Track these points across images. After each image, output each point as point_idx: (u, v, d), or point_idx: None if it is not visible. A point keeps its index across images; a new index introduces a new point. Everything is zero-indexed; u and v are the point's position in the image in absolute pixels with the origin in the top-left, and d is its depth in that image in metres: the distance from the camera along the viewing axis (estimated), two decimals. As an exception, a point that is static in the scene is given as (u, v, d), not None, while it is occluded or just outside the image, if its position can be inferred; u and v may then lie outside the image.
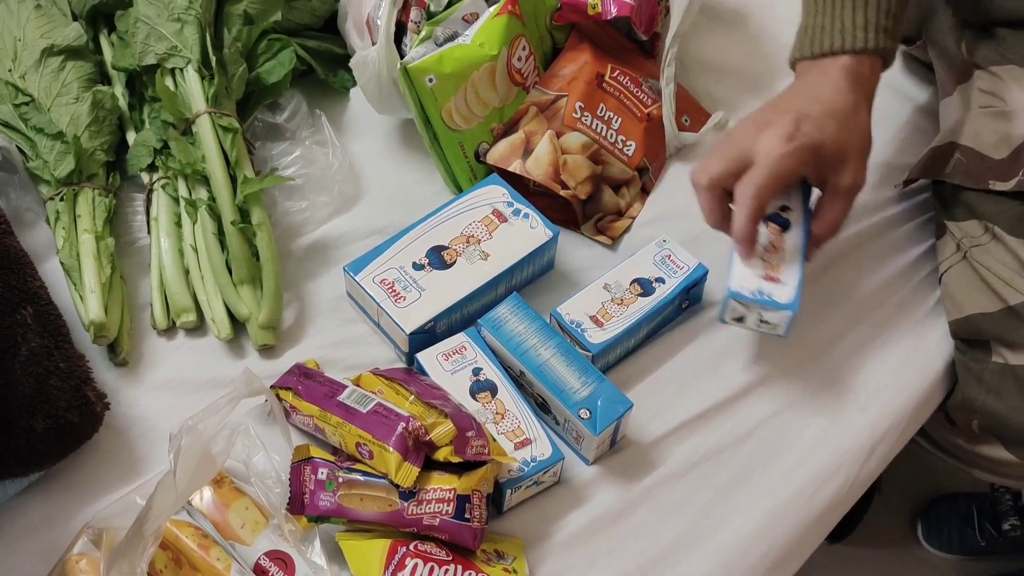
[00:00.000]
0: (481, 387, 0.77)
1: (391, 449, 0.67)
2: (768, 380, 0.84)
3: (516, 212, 0.86)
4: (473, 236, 0.84)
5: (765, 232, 0.78)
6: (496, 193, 0.87)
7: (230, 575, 0.65)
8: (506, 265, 0.83)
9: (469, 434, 0.70)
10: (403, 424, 0.68)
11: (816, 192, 0.80)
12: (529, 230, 0.85)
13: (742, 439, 0.81)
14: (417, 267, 0.82)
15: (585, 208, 0.92)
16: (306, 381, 0.75)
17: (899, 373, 0.86)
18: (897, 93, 1.07)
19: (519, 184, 0.91)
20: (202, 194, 0.84)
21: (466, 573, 0.67)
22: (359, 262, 0.83)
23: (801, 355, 0.86)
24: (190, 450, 0.63)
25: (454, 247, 0.84)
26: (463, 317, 0.83)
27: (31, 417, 0.69)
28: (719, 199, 0.76)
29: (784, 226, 0.79)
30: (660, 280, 0.83)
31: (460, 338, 0.80)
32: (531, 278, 0.87)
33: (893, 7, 0.76)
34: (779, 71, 1.07)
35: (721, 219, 0.76)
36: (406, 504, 0.68)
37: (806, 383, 0.84)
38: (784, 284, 0.76)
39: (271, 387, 0.76)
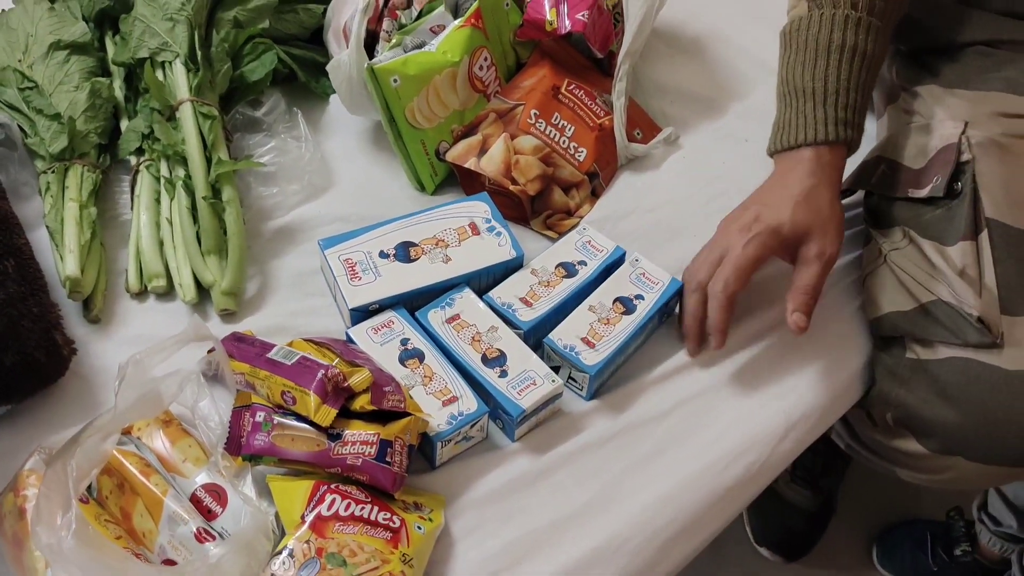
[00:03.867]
0: (409, 355, 0.83)
1: (311, 392, 0.73)
2: (693, 366, 0.90)
3: (491, 229, 0.92)
4: (443, 240, 0.91)
5: (608, 306, 0.87)
6: (479, 209, 0.93)
7: (166, 499, 0.71)
8: (463, 271, 0.88)
9: (387, 389, 0.76)
10: (323, 371, 0.74)
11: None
12: (496, 247, 0.90)
13: (663, 416, 0.86)
14: (383, 255, 0.89)
15: (535, 205, 0.99)
16: (239, 344, 0.82)
17: (818, 368, 0.91)
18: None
19: (476, 182, 0.99)
20: (180, 173, 0.92)
21: (381, 513, 0.73)
22: (333, 239, 0.89)
23: (728, 346, 0.91)
24: (133, 378, 0.70)
25: (422, 246, 0.90)
26: (409, 309, 0.87)
27: (2, 353, 0.77)
28: (704, 302, 0.87)
29: (630, 310, 0.87)
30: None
31: (388, 314, 0.86)
32: (489, 287, 0.91)
33: (852, 100, 0.86)
34: (730, 95, 1.16)
35: (702, 320, 0.88)
36: (332, 444, 0.74)
37: (730, 371, 0.90)
38: (597, 352, 0.84)
39: (209, 350, 0.82)
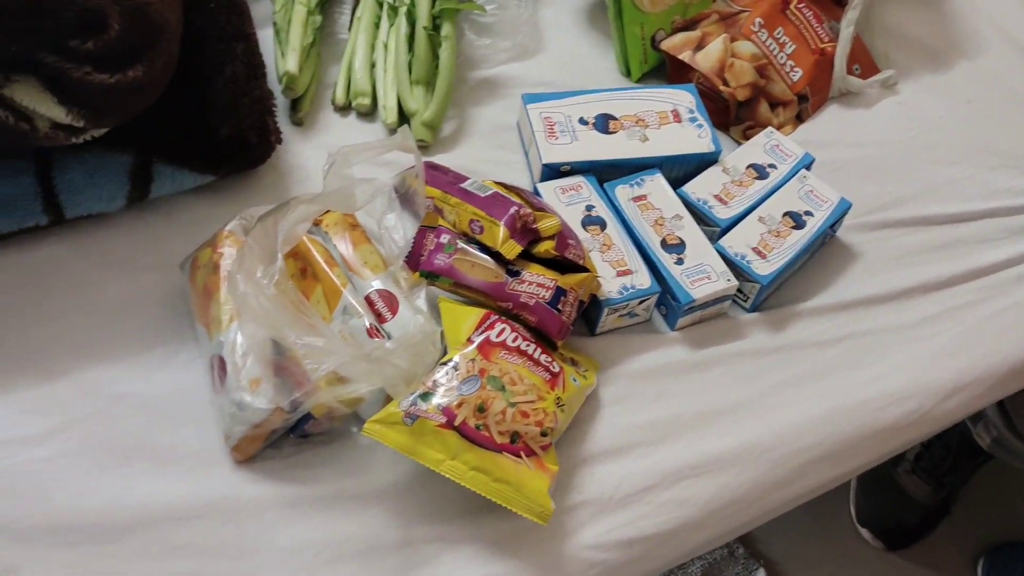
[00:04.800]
0: (592, 221, 0.83)
1: (501, 224, 0.74)
2: (872, 303, 0.87)
3: (693, 120, 0.90)
4: (643, 120, 0.89)
5: (778, 219, 0.85)
6: (685, 99, 0.92)
7: (344, 291, 0.73)
8: (658, 153, 0.88)
9: (571, 241, 0.76)
10: (515, 208, 0.75)
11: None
12: (696, 138, 0.89)
13: (829, 343, 0.84)
14: (582, 122, 0.89)
15: (740, 112, 0.97)
16: (433, 172, 0.82)
17: (1004, 336, 0.87)
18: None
19: (685, 77, 0.98)
20: (405, 1, 0.94)
21: (544, 355, 0.73)
22: (536, 96, 0.90)
23: (912, 293, 0.88)
24: (339, 169, 0.72)
25: (622, 121, 0.89)
26: (599, 180, 0.87)
27: (220, 124, 0.80)
28: None
29: (800, 225, 0.85)
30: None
31: (578, 178, 0.86)
32: (679, 178, 0.89)
33: None
34: (960, 52, 1.10)
35: None
36: (509, 280, 0.75)
37: (909, 317, 0.87)
38: (769, 262, 0.82)
39: (406, 169, 0.83)
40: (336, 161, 0.73)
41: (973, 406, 0.86)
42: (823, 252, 0.90)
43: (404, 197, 0.83)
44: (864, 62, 1.05)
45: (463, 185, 0.80)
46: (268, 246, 0.64)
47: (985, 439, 1.09)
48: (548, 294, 0.74)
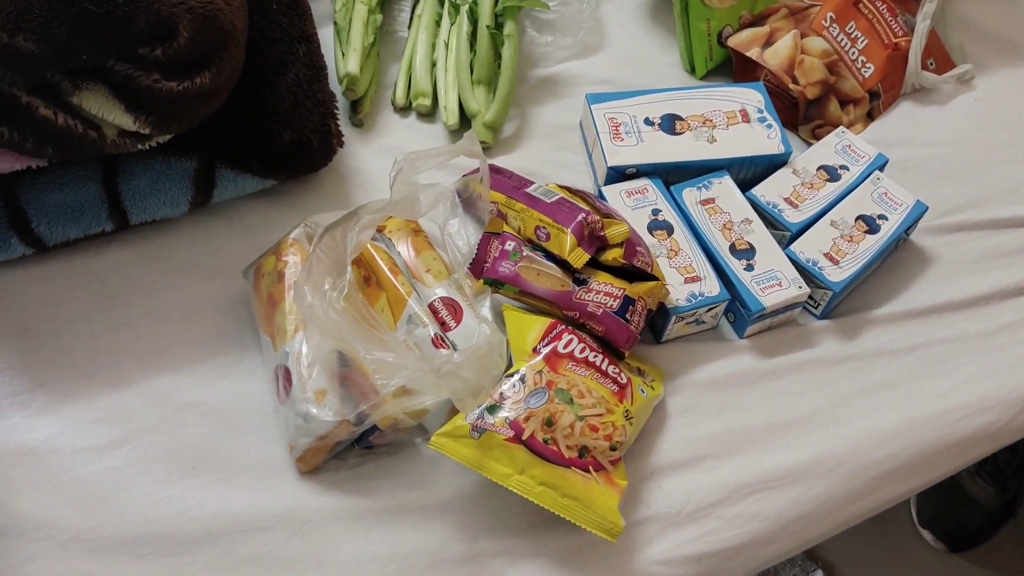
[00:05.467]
0: (658, 225, 0.81)
1: (568, 232, 0.72)
2: (947, 310, 0.84)
3: (762, 120, 0.87)
4: (711, 121, 0.87)
5: (850, 223, 0.82)
6: (753, 98, 0.89)
7: (410, 300, 0.72)
8: (727, 155, 0.85)
9: (639, 248, 0.74)
10: (583, 215, 0.73)
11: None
12: (765, 138, 0.86)
13: (903, 351, 0.81)
14: (648, 123, 0.86)
15: (809, 111, 0.94)
16: (497, 175, 0.81)
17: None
18: None
19: (752, 75, 0.95)
20: (466, -1, 0.92)
21: (611, 366, 0.72)
22: (600, 96, 0.88)
23: (990, 297, 0.85)
24: (406, 175, 0.70)
25: (689, 121, 0.87)
26: (665, 183, 0.84)
27: (282, 128, 0.79)
28: None
29: (873, 230, 0.82)
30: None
31: (643, 181, 0.84)
32: (748, 180, 0.87)
33: None
34: (1040, 43, 1.05)
35: None
36: (576, 289, 0.73)
37: (987, 325, 0.84)
38: (841, 269, 0.79)
39: (470, 172, 0.81)
40: (403, 168, 0.71)
41: (1051, 420, 0.83)
42: (895, 256, 0.87)
43: (467, 202, 0.81)
44: (939, 57, 1.01)
45: (528, 190, 0.78)
46: (336, 257, 0.64)
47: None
48: (616, 303, 0.72)
